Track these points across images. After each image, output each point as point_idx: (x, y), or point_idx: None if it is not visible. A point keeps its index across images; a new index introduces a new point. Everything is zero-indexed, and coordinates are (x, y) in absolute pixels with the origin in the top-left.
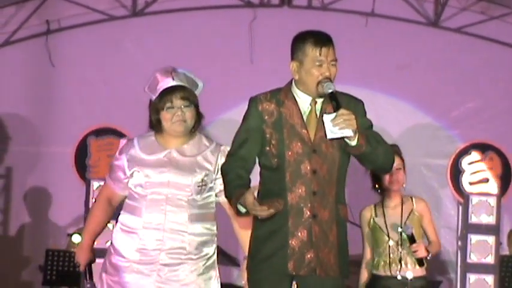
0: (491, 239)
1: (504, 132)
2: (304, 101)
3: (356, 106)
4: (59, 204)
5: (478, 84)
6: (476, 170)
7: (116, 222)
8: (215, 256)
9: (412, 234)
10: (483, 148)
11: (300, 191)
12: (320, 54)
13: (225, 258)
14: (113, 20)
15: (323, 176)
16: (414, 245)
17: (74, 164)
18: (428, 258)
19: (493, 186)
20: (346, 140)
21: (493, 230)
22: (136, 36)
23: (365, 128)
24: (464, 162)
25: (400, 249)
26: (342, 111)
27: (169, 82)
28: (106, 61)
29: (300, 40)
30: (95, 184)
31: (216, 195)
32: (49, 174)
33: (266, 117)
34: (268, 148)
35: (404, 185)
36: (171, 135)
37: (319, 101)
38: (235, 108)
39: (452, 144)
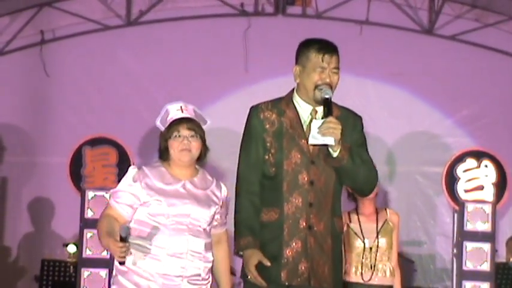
0: (486, 246)
1: (499, 139)
2: (305, 110)
3: (354, 121)
4: (54, 214)
5: (473, 92)
6: (472, 178)
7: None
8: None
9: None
10: (478, 155)
11: (296, 201)
12: (322, 61)
13: None
14: (107, 29)
15: (320, 188)
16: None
17: (69, 174)
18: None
19: (488, 194)
20: (329, 149)
21: (488, 237)
22: (131, 45)
23: (357, 144)
24: (460, 169)
25: (373, 256)
26: (330, 118)
27: (179, 114)
28: (100, 71)
29: (305, 45)
30: (90, 194)
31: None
32: (44, 185)
33: (267, 126)
34: (267, 157)
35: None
36: (177, 164)
37: (320, 110)
38: (230, 117)
39: (447, 152)
